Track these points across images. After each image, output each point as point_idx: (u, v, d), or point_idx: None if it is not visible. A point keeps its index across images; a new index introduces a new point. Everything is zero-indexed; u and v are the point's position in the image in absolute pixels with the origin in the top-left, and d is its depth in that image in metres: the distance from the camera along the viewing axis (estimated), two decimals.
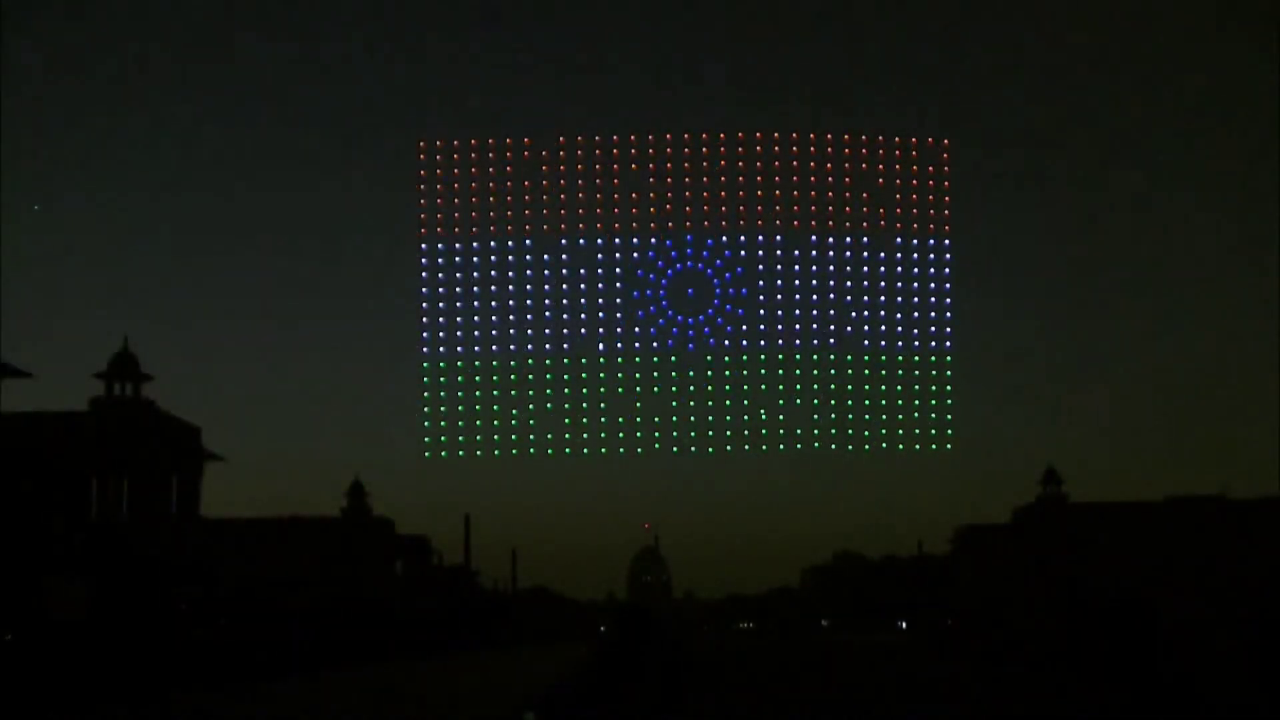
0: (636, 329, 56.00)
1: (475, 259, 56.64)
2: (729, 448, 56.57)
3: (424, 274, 56.79)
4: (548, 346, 55.78)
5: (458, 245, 56.77)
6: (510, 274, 56.43)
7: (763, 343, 56.71)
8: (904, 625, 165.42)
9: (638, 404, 56.21)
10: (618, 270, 56.30)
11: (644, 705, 37.07)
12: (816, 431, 57.04)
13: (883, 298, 57.54)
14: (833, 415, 57.05)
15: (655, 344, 56.05)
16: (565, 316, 55.92)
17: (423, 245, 56.84)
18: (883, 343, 57.33)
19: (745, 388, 56.43)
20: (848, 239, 57.56)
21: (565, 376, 55.83)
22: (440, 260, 56.71)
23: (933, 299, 57.71)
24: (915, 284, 57.57)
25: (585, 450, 56.32)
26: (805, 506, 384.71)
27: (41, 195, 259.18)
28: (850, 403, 57.14)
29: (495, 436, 56.02)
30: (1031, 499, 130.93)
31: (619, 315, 56.02)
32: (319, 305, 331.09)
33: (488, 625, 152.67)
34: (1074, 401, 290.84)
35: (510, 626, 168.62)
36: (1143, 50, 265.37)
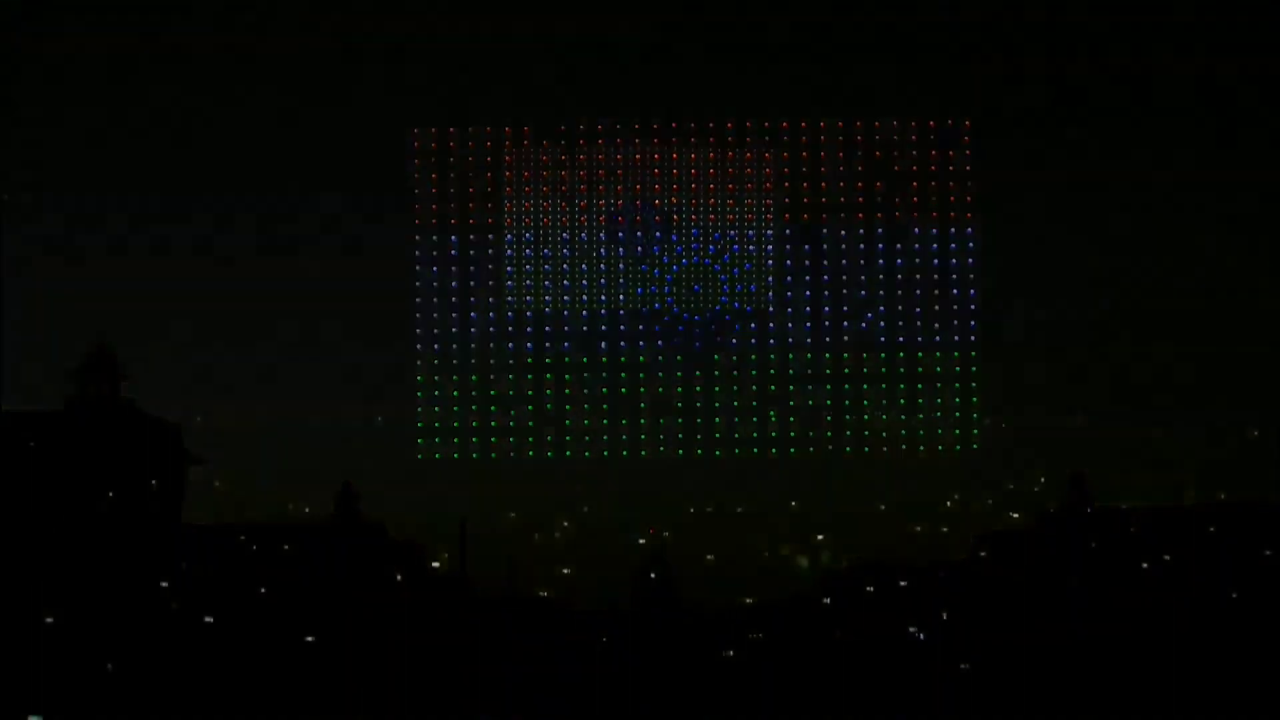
0: (640, 327, 56.33)
1: (472, 253, 57.00)
2: (737, 450, 56.93)
3: (418, 267, 57.07)
4: (547, 346, 56.18)
5: (453, 239, 57.10)
6: (508, 269, 56.84)
7: (772, 341, 57.15)
8: (922, 636, 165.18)
9: (639, 404, 56.57)
10: (621, 266, 56.63)
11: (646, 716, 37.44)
12: (830, 434, 57.38)
13: (899, 291, 57.75)
14: (847, 416, 57.44)
15: (657, 343, 56.39)
16: (565, 315, 56.29)
17: (417, 237, 57.12)
18: (900, 338, 57.57)
19: (754, 388, 56.83)
20: (861, 230, 57.77)
21: (565, 376, 56.22)
22: (435, 254, 57.00)
23: (954, 290, 57.84)
24: (935, 275, 57.67)
25: (586, 452, 56.73)
26: (820, 511, 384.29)
27: (13, 186, 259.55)
28: (866, 403, 57.53)
29: (493, 439, 56.37)
30: (1057, 504, 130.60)
31: (620, 313, 56.36)
32: (307, 301, 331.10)
33: (483, 633, 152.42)
34: (1104, 401, 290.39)
35: (507, 635, 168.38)
36: (1175, 29, 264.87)
